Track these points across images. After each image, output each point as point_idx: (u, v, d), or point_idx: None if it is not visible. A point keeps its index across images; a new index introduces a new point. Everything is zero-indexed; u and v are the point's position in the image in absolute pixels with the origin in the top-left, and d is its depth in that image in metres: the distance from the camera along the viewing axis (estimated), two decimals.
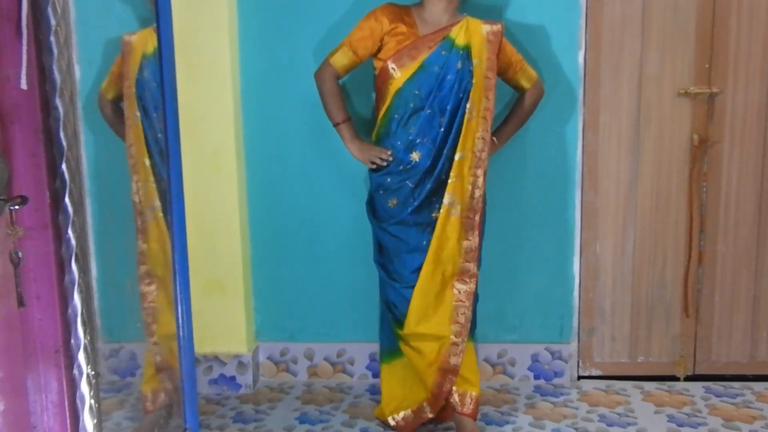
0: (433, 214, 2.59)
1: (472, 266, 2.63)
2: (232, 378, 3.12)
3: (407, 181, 2.59)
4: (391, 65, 2.55)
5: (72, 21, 1.54)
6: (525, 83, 2.76)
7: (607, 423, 2.79)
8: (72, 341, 1.52)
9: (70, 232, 1.49)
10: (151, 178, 2.11)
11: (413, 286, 2.61)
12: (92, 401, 1.54)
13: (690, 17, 2.91)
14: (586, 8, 2.91)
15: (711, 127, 2.98)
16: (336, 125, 2.71)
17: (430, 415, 2.71)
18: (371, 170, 2.66)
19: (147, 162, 2.12)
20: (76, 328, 1.51)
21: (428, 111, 2.54)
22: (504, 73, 2.71)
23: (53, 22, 1.42)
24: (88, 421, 1.54)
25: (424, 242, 2.60)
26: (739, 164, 3.00)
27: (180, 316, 1.91)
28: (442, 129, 2.54)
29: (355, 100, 2.98)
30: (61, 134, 1.46)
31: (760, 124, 2.98)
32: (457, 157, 2.56)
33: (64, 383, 1.55)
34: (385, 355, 2.80)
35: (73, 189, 1.48)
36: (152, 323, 2.26)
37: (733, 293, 3.09)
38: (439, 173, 2.57)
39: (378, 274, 2.73)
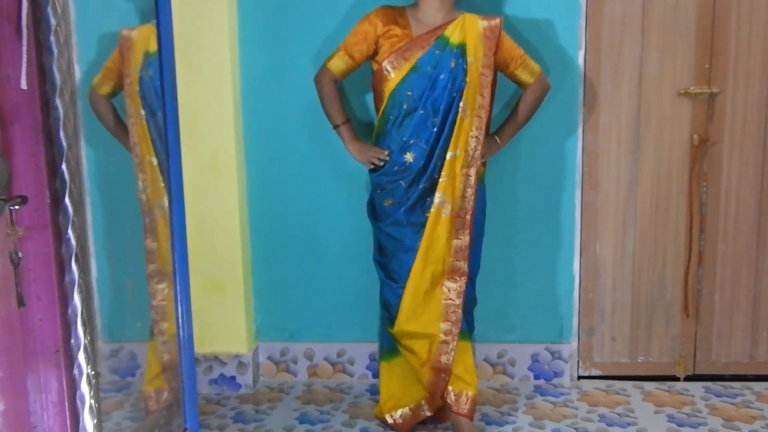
0: (426, 214, 2.60)
1: (462, 265, 2.63)
2: (232, 378, 3.12)
3: (401, 182, 2.60)
4: (385, 67, 2.57)
5: (72, 21, 1.54)
6: (527, 78, 2.70)
7: (607, 423, 2.79)
8: (72, 341, 1.52)
9: (70, 232, 1.48)
10: (159, 177, 2.11)
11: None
12: (92, 401, 1.54)
13: (690, 17, 2.91)
14: (586, 8, 2.91)
15: (711, 127, 2.98)
16: (336, 127, 2.72)
17: (428, 413, 2.72)
18: (369, 171, 2.67)
19: (154, 161, 2.11)
20: (76, 328, 1.51)
21: (421, 112, 2.55)
22: (505, 68, 2.67)
23: (53, 22, 1.42)
24: (88, 421, 1.54)
25: (419, 242, 2.61)
26: (739, 164, 3.00)
27: (180, 316, 1.91)
28: (435, 129, 2.55)
29: (354, 102, 2.98)
30: (61, 134, 1.46)
31: (760, 124, 2.98)
32: (448, 156, 2.56)
33: (64, 383, 1.54)
34: (385, 353, 2.81)
35: (73, 189, 1.48)
36: (161, 321, 2.25)
37: (733, 293, 3.09)
38: (432, 173, 2.58)
39: (377, 274, 2.74)
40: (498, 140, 2.71)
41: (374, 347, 3.07)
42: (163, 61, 1.81)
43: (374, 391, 3.08)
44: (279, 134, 3.06)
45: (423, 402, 2.71)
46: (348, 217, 3.06)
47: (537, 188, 3.02)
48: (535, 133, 2.96)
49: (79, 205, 1.50)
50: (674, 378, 3.14)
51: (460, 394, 2.66)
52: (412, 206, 2.60)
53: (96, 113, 2.14)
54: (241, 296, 3.08)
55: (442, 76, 2.54)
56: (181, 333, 1.92)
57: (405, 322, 2.63)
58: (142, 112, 2.11)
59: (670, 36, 2.93)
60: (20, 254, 1.47)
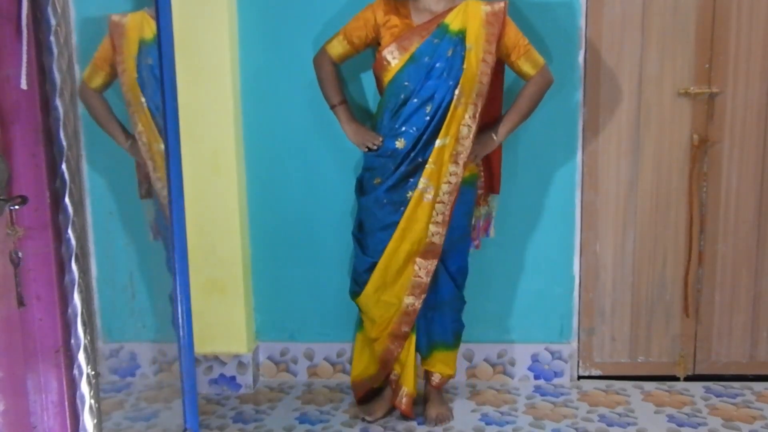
0: (408, 194, 2.63)
1: (437, 246, 2.65)
2: (232, 378, 3.12)
3: (390, 164, 2.64)
4: (385, 57, 2.59)
5: (72, 21, 1.53)
6: (529, 69, 2.63)
7: (607, 423, 2.79)
8: (72, 341, 1.52)
9: (70, 232, 1.48)
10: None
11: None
12: (92, 401, 1.54)
13: (690, 17, 2.91)
14: (586, 8, 2.91)
15: (711, 127, 2.98)
16: (332, 107, 2.75)
17: (378, 384, 2.87)
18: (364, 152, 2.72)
19: (162, 147, 2.09)
20: (76, 328, 1.51)
21: (415, 101, 2.57)
22: (507, 56, 2.63)
23: (53, 22, 1.42)
24: (88, 421, 1.54)
25: (396, 220, 2.65)
26: (739, 164, 3.00)
27: (180, 316, 1.91)
28: (428, 117, 2.56)
29: (351, 88, 2.98)
30: (61, 134, 1.46)
31: (760, 124, 2.97)
32: (438, 143, 2.57)
33: (64, 383, 1.54)
34: (359, 324, 2.88)
35: (73, 189, 1.48)
36: None
37: (733, 293, 3.09)
38: (415, 156, 2.59)
39: (354, 248, 2.81)
40: (494, 136, 2.68)
41: None
42: (163, 60, 1.81)
43: None
44: (279, 134, 3.06)
45: (375, 374, 2.85)
46: (348, 217, 3.06)
47: (537, 188, 3.02)
48: (535, 132, 2.96)
49: (79, 205, 1.50)
50: (674, 378, 3.14)
51: (400, 387, 2.80)
52: (393, 186, 2.63)
53: (88, 109, 2.09)
54: (241, 296, 3.08)
55: (438, 65, 2.54)
56: (181, 333, 1.92)
57: (372, 293, 2.71)
58: (143, 99, 2.08)
59: (670, 36, 2.93)
60: (20, 254, 1.47)
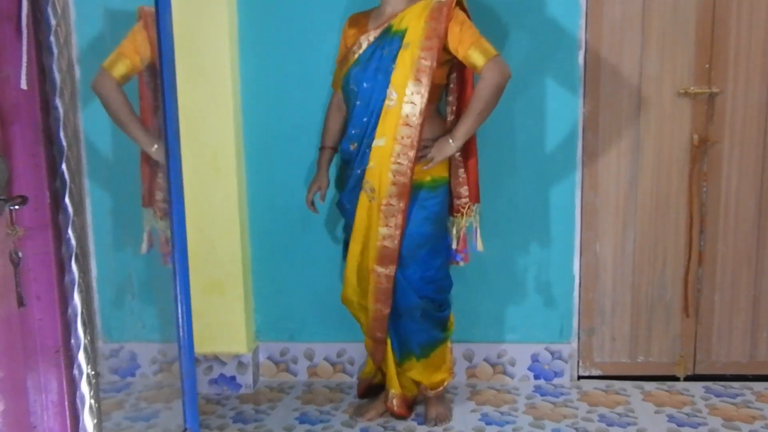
0: (360, 196, 2.65)
1: (391, 252, 2.59)
2: (232, 378, 3.12)
3: (347, 168, 2.70)
4: (338, 65, 2.70)
5: (72, 21, 1.53)
6: (477, 59, 2.42)
7: (607, 423, 2.79)
8: (72, 341, 1.52)
9: (70, 232, 1.48)
10: None
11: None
12: (92, 401, 1.54)
13: (690, 17, 2.91)
14: (586, 8, 2.91)
15: (711, 127, 2.98)
16: (319, 148, 2.84)
17: (377, 380, 2.94)
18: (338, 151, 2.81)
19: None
20: (76, 328, 1.51)
21: (359, 103, 2.60)
22: (456, 51, 2.47)
23: (53, 22, 1.42)
24: (88, 421, 1.54)
25: (353, 222, 2.70)
26: (739, 164, 3.00)
27: (180, 316, 1.91)
28: (365, 118, 2.59)
29: None
30: (61, 134, 1.46)
31: (760, 124, 2.98)
32: (375, 143, 2.57)
33: (64, 383, 1.54)
34: None
35: (73, 189, 1.48)
36: None
37: (733, 293, 3.09)
38: (362, 159, 2.62)
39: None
40: (451, 141, 2.53)
41: None
42: (163, 61, 1.81)
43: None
44: (279, 135, 3.06)
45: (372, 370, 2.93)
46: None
47: (537, 188, 3.02)
48: (534, 132, 2.96)
49: (79, 205, 1.50)
50: (674, 378, 3.14)
51: (387, 391, 2.83)
52: (351, 188, 2.67)
53: (107, 105, 2.01)
54: (240, 296, 3.08)
55: (373, 65, 2.55)
56: (181, 333, 1.92)
57: (351, 293, 2.78)
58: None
59: (670, 36, 2.93)
60: (20, 254, 1.47)
